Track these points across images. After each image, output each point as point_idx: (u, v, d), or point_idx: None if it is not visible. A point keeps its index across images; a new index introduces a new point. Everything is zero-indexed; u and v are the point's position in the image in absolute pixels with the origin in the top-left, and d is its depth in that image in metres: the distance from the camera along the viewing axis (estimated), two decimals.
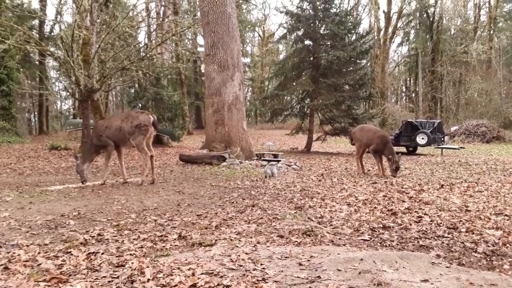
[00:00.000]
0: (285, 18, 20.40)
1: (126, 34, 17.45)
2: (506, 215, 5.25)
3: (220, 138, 12.75)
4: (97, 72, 15.33)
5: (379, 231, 4.41)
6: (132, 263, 3.14)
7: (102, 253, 3.53)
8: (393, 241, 4.04)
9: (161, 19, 26.05)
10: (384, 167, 9.91)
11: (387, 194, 6.94)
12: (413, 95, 37.28)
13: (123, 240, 3.96)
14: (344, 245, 3.87)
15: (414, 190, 7.45)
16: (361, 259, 3.18)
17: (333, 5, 19.47)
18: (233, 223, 4.73)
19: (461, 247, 3.80)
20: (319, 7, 19.04)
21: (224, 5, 13.03)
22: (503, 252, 3.67)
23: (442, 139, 18.30)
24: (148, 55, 17.93)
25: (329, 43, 19.50)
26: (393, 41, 37.91)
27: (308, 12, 19.24)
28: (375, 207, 5.76)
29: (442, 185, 8.04)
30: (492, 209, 5.63)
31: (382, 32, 35.71)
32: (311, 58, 19.26)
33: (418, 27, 36.39)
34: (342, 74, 19.02)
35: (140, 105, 20.45)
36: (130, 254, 3.48)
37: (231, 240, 3.95)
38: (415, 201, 6.30)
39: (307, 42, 19.72)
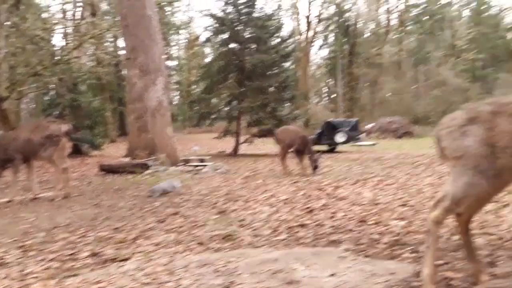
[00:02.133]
0: (210, 21, 20.36)
1: (38, 37, 16.22)
2: (410, 205, 5.73)
3: (144, 145, 12.36)
4: (5, 79, 14.07)
5: (296, 230, 4.58)
6: (35, 287, 2.92)
7: (4, 278, 3.25)
8: (308, 239, 4.22)
9: (78, 21, 24.62)
10: (306, 166, 10.33)
11: (307, 192, 7.23)
12: (334, 95, 39.38)
13: (27, 263, 3.66)
14: (262, 246, 3.96)
15: (331, 187, 7.85)
16: (276, 259, 3.28)
17: (256, 9, 19.87)
18: (152, 234, 4.61)
19: (368, 239, 4.08)
20: (242, 11, 19.30)
21: (144, 7, 12.65)
22: (405, 242, 3.99)
23: (358, 136, 19.57)
24: (63, 59, 16.83)
25: (253, 46, 19.83)
26: (313, 45, 39.73)
27: (232, 16, 19.40)
28: (295, 206, 5.97)
29: (357, 180, 8.58)
30: (399, 200, 6.12)
31: (303, 36, 37.23)
32: (237, 61, 19.43)
33: (337, 31, 38.49)
34: (267, 77, 19.46)
35: (56, 113, 19.11)
36: (34, 277, 3.24)
37: (148, 252, 3.84)
38: (332, 197, 6.65)
39: (232, 45, 19.89)
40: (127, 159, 12.08)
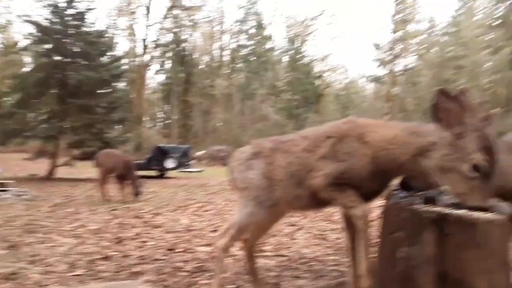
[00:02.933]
0: (31, 28, 18.04)
1: None
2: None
3: None
4: None
5: (97, 263, 4.24)
6: None
7: None
8: (108, 272, 3.94)
9: None
10: (127, 192, 9.88)
11: (122, 220, 6.87)
12: (168, 121, 39.40)
13: None
14: (51, 285, 3.50)
15: (150, 214, 7.66)
16: None
17: (85, 23, 18.56)
18: None
19: (172, 268, 4.06)
20: (69, 23, 17.76)
21: None
22: (206, 268, 4.11)
23: (188, 163, 19.90)
24: None
25: (80, 61, 18.32)
26: (149, 69, 39.31)
27: (58, 27, 17.63)
28: (104, 237, 5.57)
29: (178, 207, 8.61)
30: (211, 226, 6.35)
31: (139, 58, 36.44)
32: (59, 75, 17.55)
33: (173, 59, 38.98)
34: (95, 96, 18.18)
35: None
36: None
37: None
38: (147, 225, 6.47)
39: (55, 57, 17.96)
40: None
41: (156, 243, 5.18)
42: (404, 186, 2.09)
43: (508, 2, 28.68)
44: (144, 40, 36.21)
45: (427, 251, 1.62)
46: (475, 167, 1.73)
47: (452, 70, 30.08)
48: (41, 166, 19.17)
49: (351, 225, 2.25)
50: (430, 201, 1.77)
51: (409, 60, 37.14)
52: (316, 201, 2.34)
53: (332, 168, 2.14)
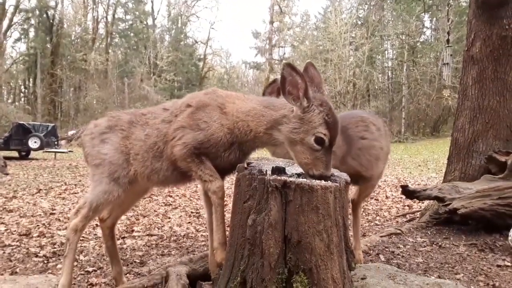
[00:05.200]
0: None
1: None
2: None
3: None
4: None
5: None
6: None
7: None
8: None
9: None
10: None
11: None
12: (32, 96, 34.97)
13: None
14: None
15: (5, 197, 6.78)
16: None
17: None
18: None
19: (24, 254, 3.68)
20: None
21: None
22: (63, 252, 3.82)
23: (56, 142, 18.04)
24: None
25: None
26: (10, 36, 34.15)
27: None
28: None
29: (40, 190, 7.79)
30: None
31: None
32: None
33: (37, 26, 34.48)
34: None
35: None
36: None
37: None
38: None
39: None
40: None
41: (8, 228, 4.61)
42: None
43: (369, 4, 32.39)
44: (2, 3, 31.12)
45: (271, 217, 1.76)
46: (318, 140, 1.88)
47: (322, 62, 32.86)
48: None
49: (209, 200, 2.28)
50: (279, 171, 1.92)
51: (286, 50, 39.47)
52: (175, 175, 2.31)
53: (191, 137, 2.13)
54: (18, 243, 4.04)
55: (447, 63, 9.44)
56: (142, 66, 32.78)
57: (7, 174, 8.46)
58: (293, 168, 2.12)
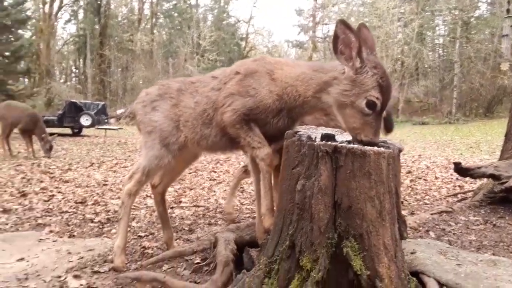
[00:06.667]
0: None
1: None
2: None
3: None
4: None
5: None
6: None
7: None
8: (8, 225, 3.67)
9: None
10: (34, 148, 9.16)
11: (28, 175, 6.38)
12: (82, 76, 36.57)
13: None
14: None
15: (61, 170, 7.22)
16: None
17: None
18: None
19: (80, 220, 3.91)
20: None
21: None
22: (117, 219, 4.02)
23: (106, 120, 18.84)
24: None
25: None
26: (61, 18, 35.68)
27: None
28: (5, 191, 5.14)
29: (92, 163, 8.21)
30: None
31: (47, 6, 32.72)
32: None
33: (86, 8, 35.69)
34: None
35: None
36: None
37: None
38: (56, 180, 6.09)
39: None
40: None
41: (65, 196, 4.92)
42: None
43: None
44: None
45: (321, 182, 1.74)
46: (370, 104, 1.81)
47: None
48: None
49: (257, 168, 2.30)
50: (328, 138, 1.88)
51: (330, 27, 38.34)
52: (223, 141, 2.35)
53: (240, 103, 2.15)
54: (74, 210, 4.31)
55: (507, 35, 8.78)
56: (186, 46, 33.16)
57: (49, 157, 8.93)
58: (343, 136, 2.07)
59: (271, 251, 1.91)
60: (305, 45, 39.57)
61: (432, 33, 34.59)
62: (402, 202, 4.85)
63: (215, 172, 7.49)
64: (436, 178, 6.95)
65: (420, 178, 6.76)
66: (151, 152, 2.53)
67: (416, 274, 2.12)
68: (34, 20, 29.12)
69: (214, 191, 5.76)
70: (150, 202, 4.34)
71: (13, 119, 9.03)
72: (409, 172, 7.41)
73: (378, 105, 1.83)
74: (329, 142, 1.77)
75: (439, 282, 2.01)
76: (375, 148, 1.76)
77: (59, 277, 2.34)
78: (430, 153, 10.92)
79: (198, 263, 2.51)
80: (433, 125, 26.02)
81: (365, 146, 1.75)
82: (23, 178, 6.20)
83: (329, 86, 1.95)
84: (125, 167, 7.92)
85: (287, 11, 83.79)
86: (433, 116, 28.72)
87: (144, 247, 3.03)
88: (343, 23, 1.80)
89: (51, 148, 9.08)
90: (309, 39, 38.40)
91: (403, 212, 3.24)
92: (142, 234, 3.40)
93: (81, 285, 2.19)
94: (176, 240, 3.14)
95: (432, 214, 3.85)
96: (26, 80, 29.26)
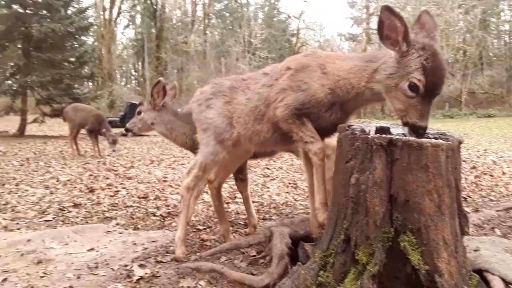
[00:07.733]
0: None
1: None
2: None
3: None
4: None
5: (67, 210, 4.27)
6: None
7: None
8: (78, 218, 3.99)
9: None
10: (100, 147, 9.80)
11: (95, 173, 6.85)
12: (141, 79, 38.38)
13: None
14: (18, 229, 3.53)
15: (124, 167, 7.66)
16: (28, 240, 2.98)
17: None
18: None
19: (143, 213, 4.15)
20: None
21: None
22: (177, 213, 4.21)
23: None
24: None
25: (43, 13, 17.34)
26: (119, 23, 37.67)
27: None
28: (75, 187, 5.57)
29: (152, 161, 8.63)
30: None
31: (107, 12, 34.73)
32: (22, 28, 16.63)
33: (143, 12, 37.38)
34: (61, 50, 17.38)
35: None
36: None
37: None
38: (120, 177, 6.48)
39: (16, 8, 16.89)
40: None
41: (129, 192, 5.24)
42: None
43: None
44: None
45: (376, 175, 1.72)
46: (412, 86, 1.75)
47: None
48: (11, 124, 18.61)
49: (310, 163, 2.31)
50: (383, 131, 1.85)
51: None
52: (275, 137, 2.37)
53: (292, 98, 2.16)
54: (138, 204, 4.57)
55: None
56: (237, 45, 33.65)
57: (114, 151, 9.57)
58: (398, 129, 2.03)
59: (326, 245, 1.92)
60: (358, 37, 38.54)
61: (497, 19, 32.22)
62: (465, 198, 4.62)
63: (268, 168, 7.57)
64: (504, 173, 6.51)
65: (486, 174, 6.37)
66: (207, 149, 2.63)
67: (479, 272, 2.03)
68: (95, 27, 31.00)
69: (268, 187, 5.83)
70: (207, 197, 4.49)
71: (80, 121, 9.72)
72: (473, 167, 7.01)
73: (421, 88, 1.76)
74: (384, 135, 1.75)
75: (504, 280, 1.91)
76: (432, 140, 1.71)
77: (126, 265, 2.51)
78: (497, 148, 10.23)
79: (254, 255, 2.58)
80: (500, 117, 24.32)
81: (423, 139, 1.70)
82: (90, 175, 6.66)
83: (379, 73, 1.92)
84: (183, 164, 8.24)
85: (339, 4, 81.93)
86: (499, 108, 26.85)
87: (202, 239, 3.16)
88: (387, 9, 1.76)
89: (115, 141, 9.66)
90: (362, 31, 37.34)
91: (467, 209, 3.08)
92: (200, 228, 3.55)
93: (146, 273, 2.34)
94: (232, 233, 3.24)
95: (498, 211, 3.64)
96: (90, 83, 31.27)
